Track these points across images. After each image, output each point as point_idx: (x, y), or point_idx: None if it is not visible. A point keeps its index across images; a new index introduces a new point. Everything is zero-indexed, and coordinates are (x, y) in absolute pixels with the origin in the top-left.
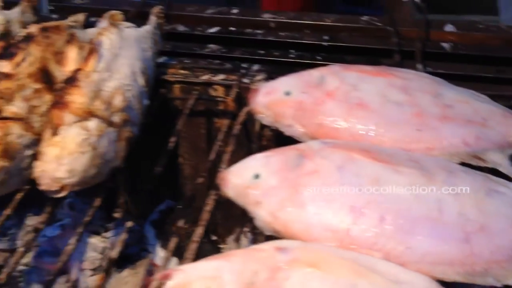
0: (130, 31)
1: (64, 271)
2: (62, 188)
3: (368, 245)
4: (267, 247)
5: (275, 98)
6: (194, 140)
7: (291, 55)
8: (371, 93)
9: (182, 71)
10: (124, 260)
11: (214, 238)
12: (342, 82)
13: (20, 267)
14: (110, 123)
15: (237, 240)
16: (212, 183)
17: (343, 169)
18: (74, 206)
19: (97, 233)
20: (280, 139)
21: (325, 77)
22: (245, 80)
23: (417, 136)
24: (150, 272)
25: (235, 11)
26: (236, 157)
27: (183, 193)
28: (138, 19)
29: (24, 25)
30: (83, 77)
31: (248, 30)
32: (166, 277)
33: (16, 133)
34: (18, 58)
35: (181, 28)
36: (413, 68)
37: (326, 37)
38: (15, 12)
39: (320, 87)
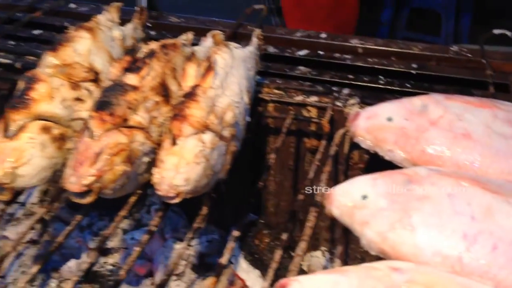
0: (238, 51)
1: (150, 274)
2: (177, 195)
3: (480, 273)
4: (382, 266)
5: (377, 123)
6: (282, 158)
7: (381, 81)
8: (476, 124)
9: (276, 91)
10: (207, 269)
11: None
12: (446, 111)
13: (109, 267)
14: (221, 137)
15: (341, 256)
16: (312, 201)
17: (453, 197)
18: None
19: (181, 240)
20: (370, 163)
21: (427, 105)
22: (338, 103)
23: None
24: (231, 282)
25: (323, 35)
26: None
27: (266, 208)
28: (232, 39)
29: (135, 40)
30: (201, 93)
31: (337, 55)
32: (283, 287)
33: (139, 141)
34: (143, 72)
35: (271, 49)
36: (509, 101)
37: (414, 65)
38: (128, 29)
39: (423, 115)
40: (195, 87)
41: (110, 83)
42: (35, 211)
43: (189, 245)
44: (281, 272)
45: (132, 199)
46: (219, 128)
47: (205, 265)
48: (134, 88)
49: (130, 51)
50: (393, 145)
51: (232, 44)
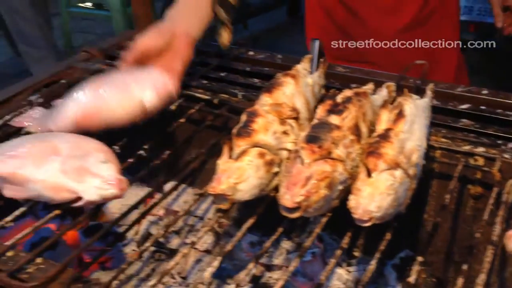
0: (420, 102)
1: None
2: (369, 219)
3: None
4: None
5: None
6: (443, 201)
7: None
8: None
9: (443, 139)
10: None
11: None
12: None
13: (273, 281)
14: (407, 175)
15: None
16: (488, 239)
17: None
18: (323, 239)
19: (340, 265)
20: None
21: None
22: (506, 156)
23: None
24: None
25: (485, 91)
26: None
27: (422, 245)
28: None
29: (320, 86)
30: (394, 135)
31: (499, 111)
32: None
33: (339, 171)
34: (344, 114)
35: (433, 101)
36: None
37: None
38: (316, 76)
39: None
40: (388, 130)
41: (316, 121)
42: (211, 225)
43: (348, 271)
44: None
45: (324, 219)
46: (406, 167)
47: None
48: (337, 127)
49: (330, 96)
50: None
51: (414, 96)
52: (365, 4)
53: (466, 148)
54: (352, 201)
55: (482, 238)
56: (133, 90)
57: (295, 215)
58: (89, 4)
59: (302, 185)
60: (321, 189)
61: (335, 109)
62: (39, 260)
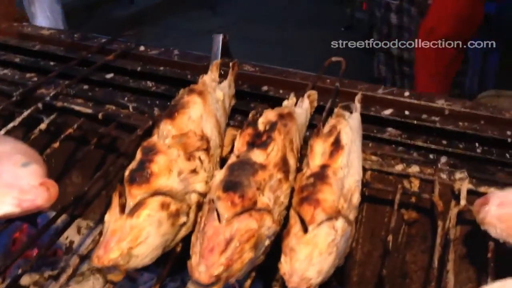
0: (354, 122)
1: None
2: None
3: None
4: None
5: None
6: (373, 227)
7: (478, 150)
8: None
9: (374, 157)
10: None
11: None
12: None
13: None
14: (349, 222)
15: None
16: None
17: None
18: None
19: None
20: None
21: None
22: (443, 176)
23: None
24: None
25: (406, 93)
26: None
27: (350, 277)
28: None
29: (230, 98)
30: (332, 174)
31: (424, 116)
32: None
33: (266, 225)
34: (269, 148)
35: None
36: None
37: (509, 133)
38: (225, 87)
39: None
40: (325, 167)
41: (235, 159)
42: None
43: None
44: None
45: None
46: (347, 213)
47: None
48: (262, 166)
49: (251, 123)
50: None
51: (347, 114)
52: None
53: (399, 168)
54: (286, 265)
55: (415, 266)
56: None
57: None
58: None
59: (221, 251)
60: (245, 253)
61: (258, 141)
62: None
